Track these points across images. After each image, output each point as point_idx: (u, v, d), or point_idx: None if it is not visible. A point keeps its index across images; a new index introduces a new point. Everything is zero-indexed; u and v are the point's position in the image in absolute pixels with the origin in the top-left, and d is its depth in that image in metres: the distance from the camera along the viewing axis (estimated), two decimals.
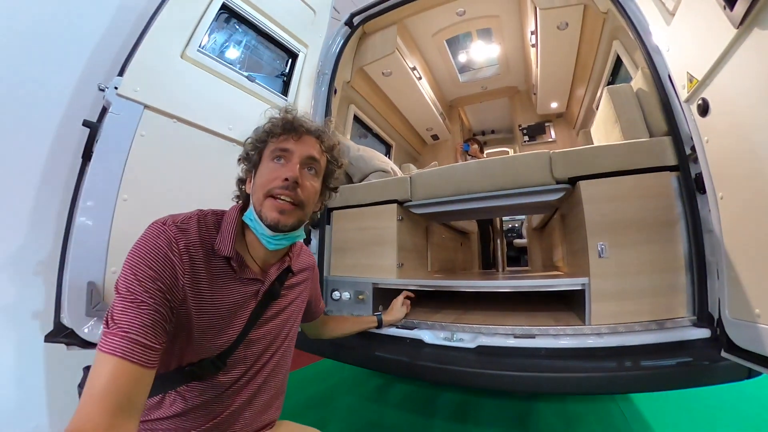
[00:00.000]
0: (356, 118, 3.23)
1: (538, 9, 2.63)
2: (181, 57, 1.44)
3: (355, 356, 1.48)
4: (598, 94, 2.77)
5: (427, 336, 1.42)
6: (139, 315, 0.58)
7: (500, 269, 3.14)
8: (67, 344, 1.08)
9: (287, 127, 0.79)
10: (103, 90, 1.23)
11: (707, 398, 1.74)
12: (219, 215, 0.78)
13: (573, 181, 1.45)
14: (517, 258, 4.69)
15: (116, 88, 1.22)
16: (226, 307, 0.73)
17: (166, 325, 0.61)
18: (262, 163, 0.79)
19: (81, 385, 0.83)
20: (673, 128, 1.28)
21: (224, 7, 1.61)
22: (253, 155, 0.82)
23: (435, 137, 4.52)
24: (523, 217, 4.65)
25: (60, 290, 1.11)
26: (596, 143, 2.00)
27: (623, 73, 2.36)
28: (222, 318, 0.73)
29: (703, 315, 1.15)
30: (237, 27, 1.73)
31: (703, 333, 1.12)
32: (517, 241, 4.75)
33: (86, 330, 1.09)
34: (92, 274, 1.12)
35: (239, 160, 0.85)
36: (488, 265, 3.71)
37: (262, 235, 0.76)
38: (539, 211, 2.46)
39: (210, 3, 1.54)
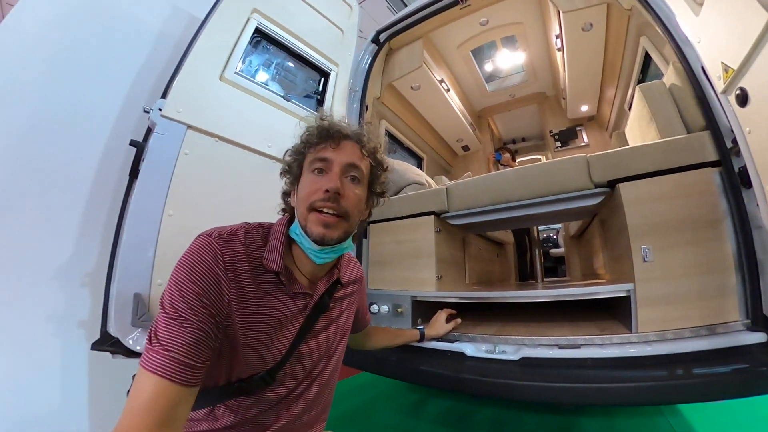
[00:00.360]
0: (387, 133, 3.26)
1: (561, 12, 2.59)
2: (220, 79, 1.51)
3: (395, 370, 1.44)
4: (629, 93, 2.66)
5: (469, 349, 1.37)
6: (182, 333, 0.57)
7: (538, 280, 3.03)
8: (113, 353, 1.12)
9: (323, 134, 0.76)
10: (147, 112, 1.30)
11: (764, 408, 1.57)
12: (266, 228, 0.77)
13: (612, 184, 1.39)
14: (554, 269, 4.50)
15: (160, 109, 1.29)
16: (273, 321, 0.72)
17: (210, 342, 0.61)
18: (303, 175, 0.77)
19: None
20: (711, 122, 1.21)
21: (258, 31, 1.69)
22: (293, 167, 0.79)
23: (466, 148, 4.49)
24: (558, 226, 4.51)
25: (107, 301, 1.16)
26: (631, 144, 1.91)
27: (653, 70, 2.25)
28: (269, 333, 0.71)
29: (757, 318, 1.05)
30: (271, 49, 1.80)
31: (759, 337, 1.02)
32: (554, 250, 4.58)
33: (131, 340, 1.12)
34: (138, 286, 1.16)
35: (281, 173, 0.83)
36: (525, 276, 3.59)
37: (309, 249, 0.74)
38: (578, 217, 2.37)
39: (244, 28, 1.62)
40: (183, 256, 0.65)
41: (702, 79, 1.24)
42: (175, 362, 0.55)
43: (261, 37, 1.73)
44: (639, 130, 1.79)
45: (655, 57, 2.09)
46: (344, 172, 0.75)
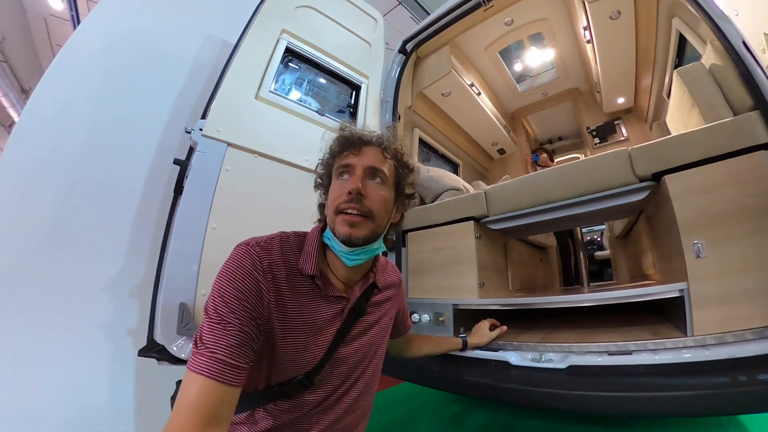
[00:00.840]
0: (421, 141, 3.26)
1: (586, 2, 2.49)
2: (256, 98, 1.58)
3: (437, 379, 1.41)
4: (666, 80, 2.50)
5: (514, 357, 1.32)
6: (225, 335, 0.60)
7: (584, 284, 2.88)
8: (158, 359, 1.17)
9: (345, 143, 0.79)
10: (189, 132, 1.37)
11: None
12: (301, 236, 0.80)
13: (657, 177, 1.30)
14: (600, 272, 4.26)
15: (201, 129, 1.36)
16: (310, 325, 0.73)
17: (252, 343, 0.64)
18: (331, 183, 0.81)
19: (173, 397, 0.88)
20: (759, 100, 1.11)
21: (288, 51, 1.75)
22: (324, 179, 0.84)
23: (501, 151, 4.39)
24: (602, 226, 4.29)
25: (154, 310, 1.22)
26: (674, 133, 1.81)
27: (690, 52, 2.10)
28: (306, 336, 0.73)
29: None
30: (302, 66, 1.86)
31: None
32: (599, 253, 4.34)
33: (175, 347, 1.17)
34: (184, 296, 1.21)
35: (315, 186, 0.87)
36: (570, 281, 3.43)
37: (341, 252, 0.76)
38: (623, 215, 2.24)
39: (275, 48, 1.69)
40: (224, 265, 0.69)
41: (744, 54, 1.15)
42: (220, 363, 0.58)
43: (292, 55, 1.79)
44: (681, 117, 1.68)
45: (691, 38, 1.95)
46: (367, 175, 0.77)
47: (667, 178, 1.24)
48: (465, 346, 1.36)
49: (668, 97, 2.13)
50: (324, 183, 0.84)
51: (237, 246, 0.71)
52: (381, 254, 0.87)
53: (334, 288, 0.78)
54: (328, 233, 0.78)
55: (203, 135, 1.36)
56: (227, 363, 0.59)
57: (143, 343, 1.21)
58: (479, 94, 3.43)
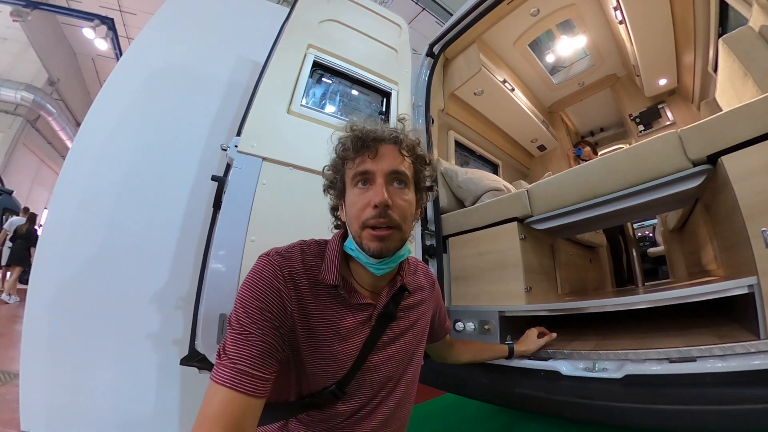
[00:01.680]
0: (458, 144, 3.20)
1: None
2: (288, 113, 1.61)
3: (482, 391, 1.34)
4: (711, 52, 2.27)
5: (565, 367, 1.23)
6: (247, 346, 0.60)
7: (638, 284, 2.68)
8: (199, 368, 1.22)
9: (359, 145, 0.73)
10: (225, 149, 1.42)
11: None
12: (322, 244, 0.78)
13: (713, 159, 1.17)
14: (654, 270, 3.95)
15: (236, 146, 1.41)
16: (336, 333, 0.72)
17: (276, 354, 0.63)
18: (347, 190, 0.76)
19: None
20: None
21: (316, 64, 1.78)
22: (337, 183, 0.79)
23: (542, 148, 4.22)
24: (654, 221, 4.00)
25: (195, 321, 1.27)
26: (726, 109, 1.65)
27: (734, 18, 1.89)
28: (333, 345, 0.71)
29: None
30: (331, 79, 1.89)
31: None
32: (652, 250, 4.03)
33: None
34: (223, 307, 1.24)
35: (324, 190, 0.83)
36: (623, 282, 3.22)
37: (368, 263, 0.74)
38: (677, 205, 2.05)
39: (303, 63, 1.73)
40: (246, 277, 0.69)
41: None
42: (242, 374, 0.58)
43: (320, 68, 1.82)
44: (733, 91, 1.52)
45: (732, 1, 1.76)
46: (389, 181, 0.73)
47: (724, 159, 1.11)
48: (511, 354, 1.28)
49: (715, 71, 1.95)
50: (337, 187, 0.79)
51: (259, 257, 0.71)
52: (409, 256, 0.84)
53: (359, 296, 0.75)
54: (350, 243, 0.74)
55: (239, 151, 1.41)
56: (250, 374, 0.59)
57: (187, 352, 1.26)
58: (513, 90, 3.33)
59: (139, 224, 1.63)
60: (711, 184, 1.32)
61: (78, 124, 7.75)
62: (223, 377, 0.58)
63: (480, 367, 1.37)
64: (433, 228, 1.88)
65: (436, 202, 1.94)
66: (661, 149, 1.30)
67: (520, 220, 1.68)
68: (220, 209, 1.35)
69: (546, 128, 3.91)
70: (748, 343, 0.96)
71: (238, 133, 1.45)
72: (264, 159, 1.44)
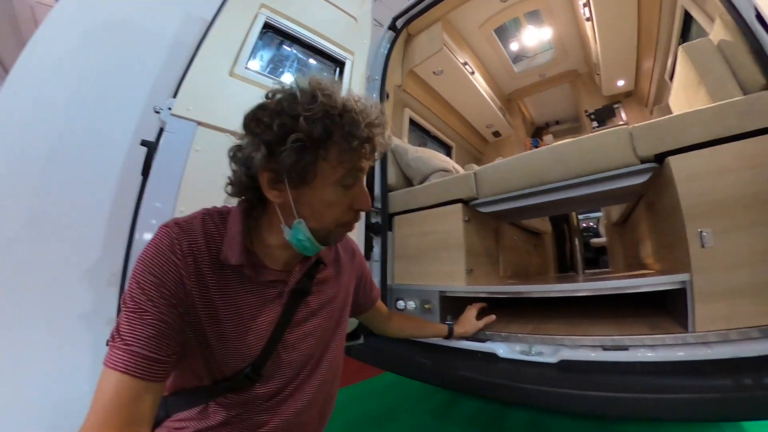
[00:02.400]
0: (413, 122, 3.16)
1: None
2: (230, 75, 1.49)
3: (420, 371, 1.34)
4: (669, 62, 2.40)
5: (502, 349, 1.25)
6: (143, 326, 0.54)
7: (579, 272, 2.82)
8: None
9: (364, 135, 0.61)
10: (158, 112, 1.30)
11: None
12: (225, 215, 0.69)
13: (660, 159, 1.22)
14: (595, 260, 4.22)
15: (170, 108, 1.29)
16: (243, 313, 0.65)
17: (175, 334, 0.57)
18: (322, 185, 0.62)
19: None
20: None
21: (267, 26, 1.65)
22: (300, 163, 0.60)
23: (497, 134, 4.30)
24: (599, 213, 4.23)
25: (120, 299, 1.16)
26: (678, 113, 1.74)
27: (696, 31, 2.00)
28: (239, 325, 0.65)
29: None
30: (282, 42, 1.76)
31: None
32: (594, 240, 4.28)
33: None
34: None
35: (257, 167, 0.63)
36: (565, 269, 3.39)
37: (311, 249, 0.67)
38: (621, 200, 2.16)
39: (253, 23, 1.60)
40: (142, 250, 0.61)
41: (757, 28, 1.07)
42: (137, 356, 0.53)
43: (271, 30, 1.69)
44: (686, 97, 1.59)
45: (697, 14, 1.85)
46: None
47: (671, 159, 1.15)
48: (450, 334, 1.28)
49: (671, 80, 2.05)
50: (298, 168, 0.60)
51: (158, 229, 0.63)
52: None
53: (268, 272, 0.68)
54: (298, 233, 0.64)
55: (172, 114, 1.29)
56: (145, 356, 0.53)
57: None
58: (473, 73, 3.33)
59: (69, 191, 1.44)
60: (656, 182, 1.37)
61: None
62: (116, 361, 0.52)
63: (419, 346, 1.37)
64: (379, 206, 1.85)
65: (384, 179, 1.90)
66: (611, 143, 1.32)
67: (465, 202, 1.68)
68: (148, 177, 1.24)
69: (503, 115, 3.98)
70: (678, 335, 1.02)
71: (175, 95, 1.33)
72: (199, 123, 1.33)
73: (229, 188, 0.70)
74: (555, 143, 1.56)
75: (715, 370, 0.91)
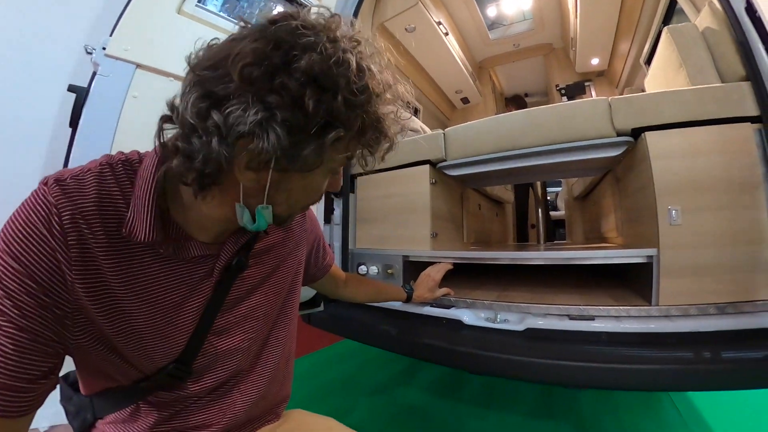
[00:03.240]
0: None
1: None
2: (178, 12, 1.31)
3: (383, 338, 1.31)
4: (647, 47, 2.43)
5: (467, 316, 1.23)
6: (4, 343, 0.39)
7: (540, 242, 2.90)
8: None
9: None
10: (90, 53, 1.12)
11: None
12: (134, 165, 0.49)
13: (636, 134, 1.23)
14: (552, 232, 4.39)
15: (104, 48, 1.11)
16: (159, 302, 0.50)
17: (47, 347, 0.43)
18: (314, 171, 0.47)
19: (61, 399, 0.64)
20: (753, 71, 1.04)
21: None
22: (305, 150, 0.42)
23: (465, 100, 4.23)
24: (558, 188, 4.34)
25: None
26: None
27: (678, 19, 2.02)
28: (155, 318, 0.50)
29: None
30: None
31: None
32: (553, 213, 4.46)
33: None
34: None
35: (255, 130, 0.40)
36: (525, 238, 3.48)
37: (261, 227, 0.51)
38: (591, 172, 2.18)
39: None
40: (6, 221, 0.43)
41: (745, 21, 1.06)
42: None
43: None
44: (664, 78, 1.59)
45: (683, 1, 1.84)
46: None
47: (647, 134, 1.17)
48: (409, 299, 1.21)
49: (646, 64, 2.07)
50: (301, 158, 0.43)
51: (38, 185, 0.45)
52: None
53: (193, 246, 0.51)
54: (261, 219, 0.48)
55: (106, 55, 1.11)
56: (7, 387, 0.40)
57: None
58: (447, 34, 3.20)
59: None
60: (628, 157, 1.39)
61: None
62: None
63: (382, 313, 1.34)
64: None
65: None
66: (589, 112, 1.31)
67: (432, 164, 1.63)
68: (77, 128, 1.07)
69: (473, 81, 3.91)
70: (642, 308, 1.07)
71: (111, 34, 1.15)
72: (138, 66, 1.16)
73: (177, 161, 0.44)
74: (531, 108, 1.52)
75: (677, 342, 0.95)
